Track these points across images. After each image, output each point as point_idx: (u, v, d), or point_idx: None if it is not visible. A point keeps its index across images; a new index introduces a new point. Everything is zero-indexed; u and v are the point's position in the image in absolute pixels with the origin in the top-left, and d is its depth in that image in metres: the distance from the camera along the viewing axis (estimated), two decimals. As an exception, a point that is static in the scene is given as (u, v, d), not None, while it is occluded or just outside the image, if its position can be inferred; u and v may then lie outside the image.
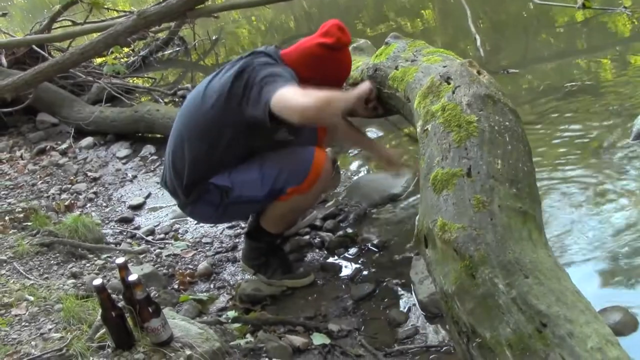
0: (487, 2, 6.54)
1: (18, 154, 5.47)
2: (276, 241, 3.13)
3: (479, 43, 5.16)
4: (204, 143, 2.70)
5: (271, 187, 2.73)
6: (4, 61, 6.17)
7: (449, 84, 2.29)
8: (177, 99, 5.90)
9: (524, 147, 2.09)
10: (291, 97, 2.37)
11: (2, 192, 4.62)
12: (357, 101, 2.76)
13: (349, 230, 3.37)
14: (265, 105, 2.41)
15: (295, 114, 2.35)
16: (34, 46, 6.28)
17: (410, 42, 3.06)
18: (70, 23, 7.27)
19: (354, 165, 4.20)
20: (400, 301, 2.74)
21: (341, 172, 3.81)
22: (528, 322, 1.53)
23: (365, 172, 4.08)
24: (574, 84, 4.40)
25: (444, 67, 2.45)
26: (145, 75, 7.29)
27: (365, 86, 2.85)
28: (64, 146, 5.42)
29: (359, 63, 3.30)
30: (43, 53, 6.26)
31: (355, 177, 4.00)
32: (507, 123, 2.10)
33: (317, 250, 3.31)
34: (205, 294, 3.06)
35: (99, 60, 6.80)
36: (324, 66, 2.73)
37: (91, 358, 1.98)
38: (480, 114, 2.10)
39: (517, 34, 5.83)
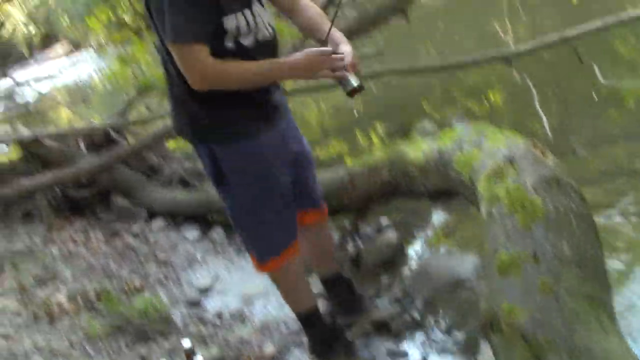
0: (554, 82, 6.51)
1: (92, 235, 5.62)
2: (329, 324, 3.11)
3: (546, 124, 5.13)
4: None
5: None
6: (82, 146, 6.41)
7: (513, 166, 2.29)
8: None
9: (591, 230, 2.06)
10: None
11: (75, 273, 4.73)
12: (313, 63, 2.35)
13: (415, 314, 3.33)
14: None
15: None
16: (110, 130, 6.52)
17: (475, 124, 3.08)
18: (145, 108, 7.53)
19: (419, 247, 4.17)
20: (469, 387, 2.68)
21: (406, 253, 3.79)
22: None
23: (431, 253, 4.04)
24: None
25: (508, 149, 2.46)
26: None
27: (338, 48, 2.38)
28: (136, 228, 5.54)
29: (424, 146, 3.33)
30: (118, 137, 6.48)
31: (421, 259, 3.97)
32: (572, 205, 2.08)
33: (382, 335, 3.27)
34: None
35: (171, 143, 6.99)
36: None
37: None
38: (545, 195, 2.09)
39: (585, 114, 5.77)
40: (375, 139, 6.22)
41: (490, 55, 5.51)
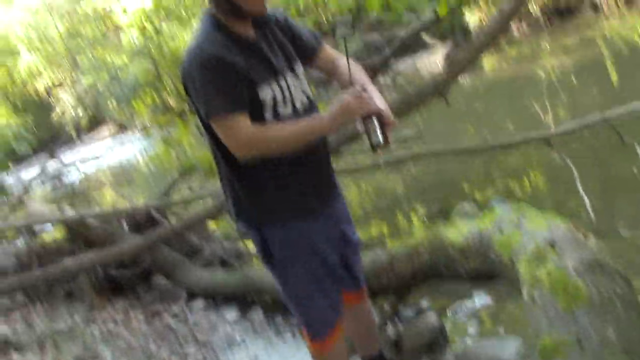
0: (596, 162, 6.47)
1: (132, 315, 5.63)
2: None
3: (587, 205, 5.07)
4: None
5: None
6: (125, 226, 6.50)
7: (554, 248, 2.26)
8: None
9: (637, 316, 2.01)
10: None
11: (115, 354, 4.73)
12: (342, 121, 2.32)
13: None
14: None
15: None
16: (152, 211, 6.61)
17: (515, 206, 3.07)
18: (187, 189, 7.65)
19: (460, 330, 4.10)
20: None
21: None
22: None
23: (473, 337, 3.97)
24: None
25: (549, 231, 2.44)
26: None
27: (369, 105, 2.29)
28: (175, 308, 5.55)
29: (464, 228, 3.32)
30: (160, 218, 6.56)
31: (463, 343, 3.89)
32: (617, 289, 2.04)
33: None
34: None
35: (212, 224, 7.05)
36: None
37: None
38: (588, 279, 2.06)
39: (628, 194, 5.70)
40: (415, 220, 6.21)
41: (530, 137, 5.52)
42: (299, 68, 2.53)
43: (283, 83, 2.40)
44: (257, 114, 2.32)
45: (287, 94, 2.40)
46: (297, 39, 2.58)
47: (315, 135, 2.36)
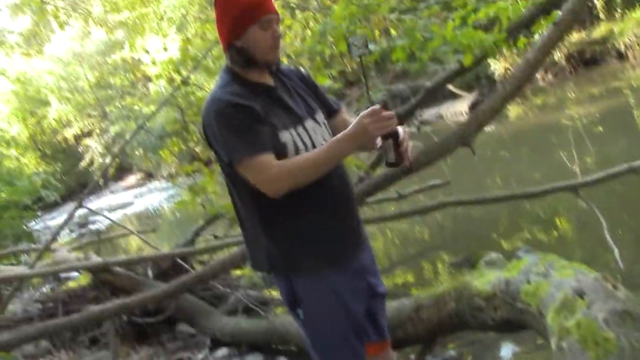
0: (625, 210, 6.41)
1: (157, 363, 5.62)
2: None
3: (617, 254, 5.01)
4: None
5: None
6: (150, 273, 6.52)
7: (583, 299, 2.23)
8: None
9: (670, 368, 1.97)
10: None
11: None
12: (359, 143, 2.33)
13: None
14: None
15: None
16: (177, 258, 6.62)
17: (542, 255, 3.03)
18: (212, 236, 7.67)
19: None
20: None
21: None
22: None
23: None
24: None
25: (577, 281, 2.40)
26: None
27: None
28: (200, 357, 5.52)
29: (491, 277, 3.28)
30: (185, 265, 6.58)
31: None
32: (649, 341, 2.00)
33: None
34: None
35: (237, 271, 7.05)
36: (225, 12, 2.45)
37: None
38: (619, 331, 2.01)
39: (658, 244, 5.63)
40: (441, 269, 6.17)
41: (557, 186, 5.48)
42: (321, 116, 2.57)
43: (302, 130, 2.43)
44: (280, 156, 2.33)
45: (307, 140, 2.42)
46: (320, 95, 2.66)
47: (336, 157, 2.35)
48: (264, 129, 2.31)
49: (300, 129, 2.42)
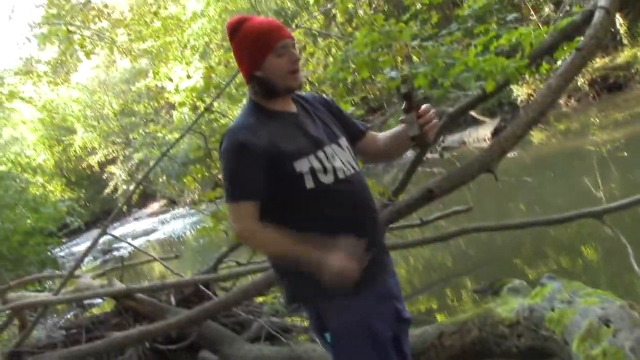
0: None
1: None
2: None
3: (643, 282, 4.94)
4: None
5: None
6: (172, 300, 6.53)
7: (608, 327, 2.20)
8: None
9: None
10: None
11: None
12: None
13: None
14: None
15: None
16: (200, 285, 6.63)
17: (566, 282, 3.00)
18: (235, 263, 7.67)
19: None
20: None
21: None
22: None
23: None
24: None
25: (603, 309, 2.37)
26: (304, 315, 7.40)
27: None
28: (220, 384, 5.51)
29: (515, 304, 3.26)
30: (208, 292, 6.57)
31: None
32: (676, 370, 1.97)
33: None
34: None
35: (259, 298, 7.03)
36: (241, 46, 2.55)
37: None
38: (646, 359, 1.99)
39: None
40: (464, 296, 6.12)
41: (581, 213, 5.43)
42: (344, 142, 2.60)
43: (322, 154, 2.46)
44: (297, 185, 2.39)
45: (327, 164, 2.45)
46: (345, 120, 2.72)
47: (302, 263, 2.38)
48: (259, 175, 2.38)
49: (320, 154, 2.45)
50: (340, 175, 2.46)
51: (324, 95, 2.77)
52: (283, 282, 2.58)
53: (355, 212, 2.48)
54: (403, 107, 2.45)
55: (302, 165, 2.40)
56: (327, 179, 2.43)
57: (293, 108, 2.56)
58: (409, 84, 2.41)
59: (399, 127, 2.62)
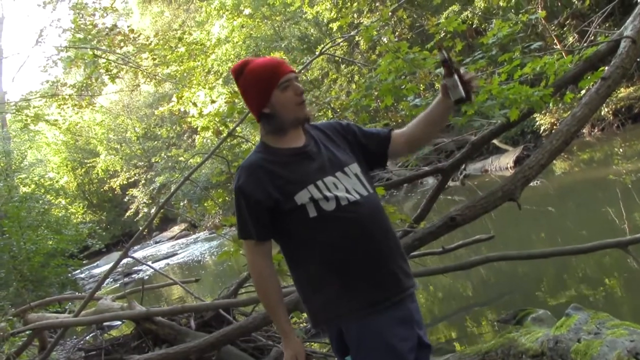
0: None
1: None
2: None
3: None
4: None
5: None
6: (192, 324, 6.52)
7: (638, 359, 2.17)
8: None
9: None
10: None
11: None
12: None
13: None
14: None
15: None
16: (220, 310, 6.62)
17: (593, 313, 2.96)
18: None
19: None
20: None
21: None
22: None
23: None
24: None
25: (632, 341, 2.34)
26: (323, 341, 7.38)
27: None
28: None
29: (539, 334, 3.22)
30: (228, 317, 6.56)
31: None
32: None
33: None
34: None
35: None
36: (247, 87, 2.68)
37: None
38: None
39: None
40: (486, 325, 6.06)
41: (606, 243, 5.38)
42: (353, 168, 2.65)
43: (321, 183, 2.53)
44: (302, 215, 2.50)
45: (327, 193, 2.51)
46: (364, 136, 2.78)
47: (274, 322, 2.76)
48: (261, 215, 2.55)
49: (320, 183, 2.53)
50: (343, 202, 2.51)
51: (340, 121, 2.81)
52: (307, 304, 2.62)
53: (362, 237, 2.51)
54: (443, 73, 2.54)
55: (302, 197, 2.49)
56: (329, 206, 2.50)
57: (302, 141, 2.64)
58: (445, 51, 2.49)
59: (431, 106, 2.71)
